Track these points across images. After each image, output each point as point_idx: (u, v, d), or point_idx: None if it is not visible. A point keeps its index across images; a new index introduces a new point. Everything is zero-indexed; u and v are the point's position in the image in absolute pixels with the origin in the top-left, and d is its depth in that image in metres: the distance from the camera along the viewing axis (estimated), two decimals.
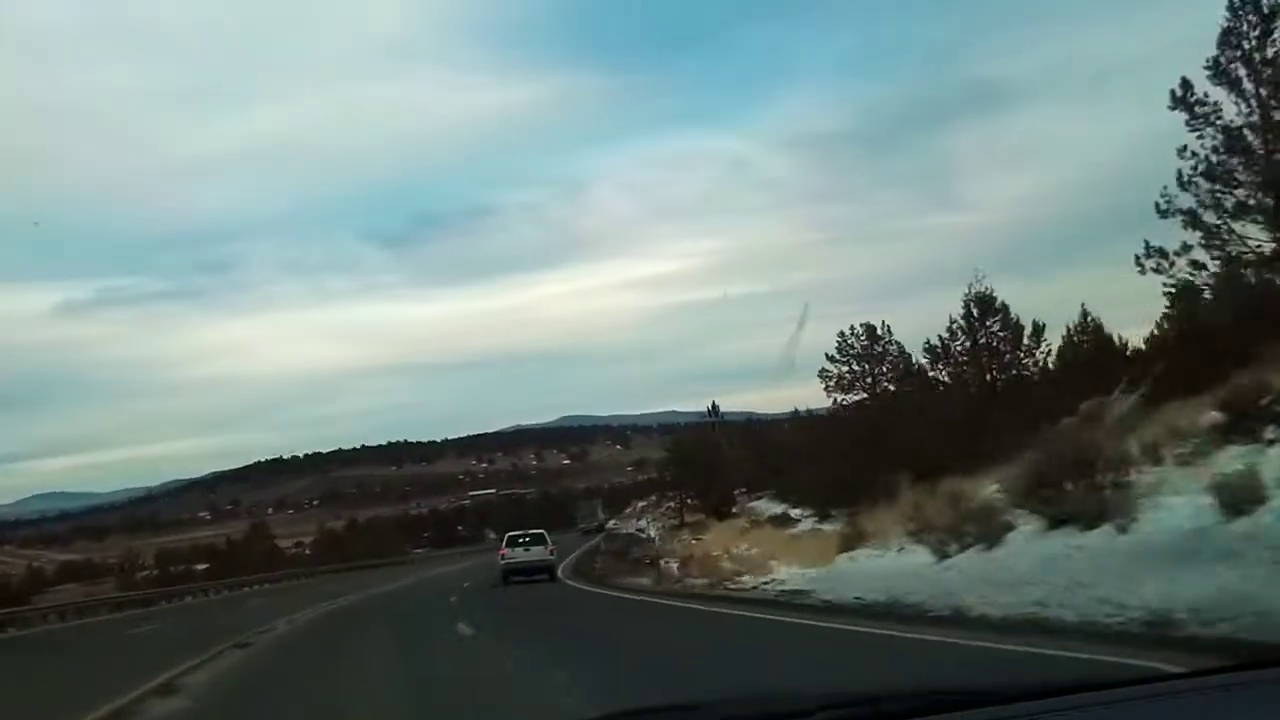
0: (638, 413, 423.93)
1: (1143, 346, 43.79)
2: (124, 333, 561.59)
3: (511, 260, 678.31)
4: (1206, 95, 30.51)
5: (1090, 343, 44.49)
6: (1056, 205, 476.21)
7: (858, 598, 17.31)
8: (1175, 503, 14.58)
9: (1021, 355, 45.50)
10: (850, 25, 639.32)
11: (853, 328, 69.51)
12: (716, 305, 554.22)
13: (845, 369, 69.27)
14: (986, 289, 45.34)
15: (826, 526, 55.71)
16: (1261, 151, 29.86)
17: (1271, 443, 16.70)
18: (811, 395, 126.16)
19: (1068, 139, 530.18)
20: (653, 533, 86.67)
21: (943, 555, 17.52)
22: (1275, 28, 29.49)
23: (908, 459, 42.26)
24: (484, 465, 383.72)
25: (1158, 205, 31.80)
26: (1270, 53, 29.66)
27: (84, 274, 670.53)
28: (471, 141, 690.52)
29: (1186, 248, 31.18)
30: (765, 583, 26.19)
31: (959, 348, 46.80)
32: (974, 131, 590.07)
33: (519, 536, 44.01)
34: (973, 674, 9.74)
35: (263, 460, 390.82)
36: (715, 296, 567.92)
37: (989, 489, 23.68)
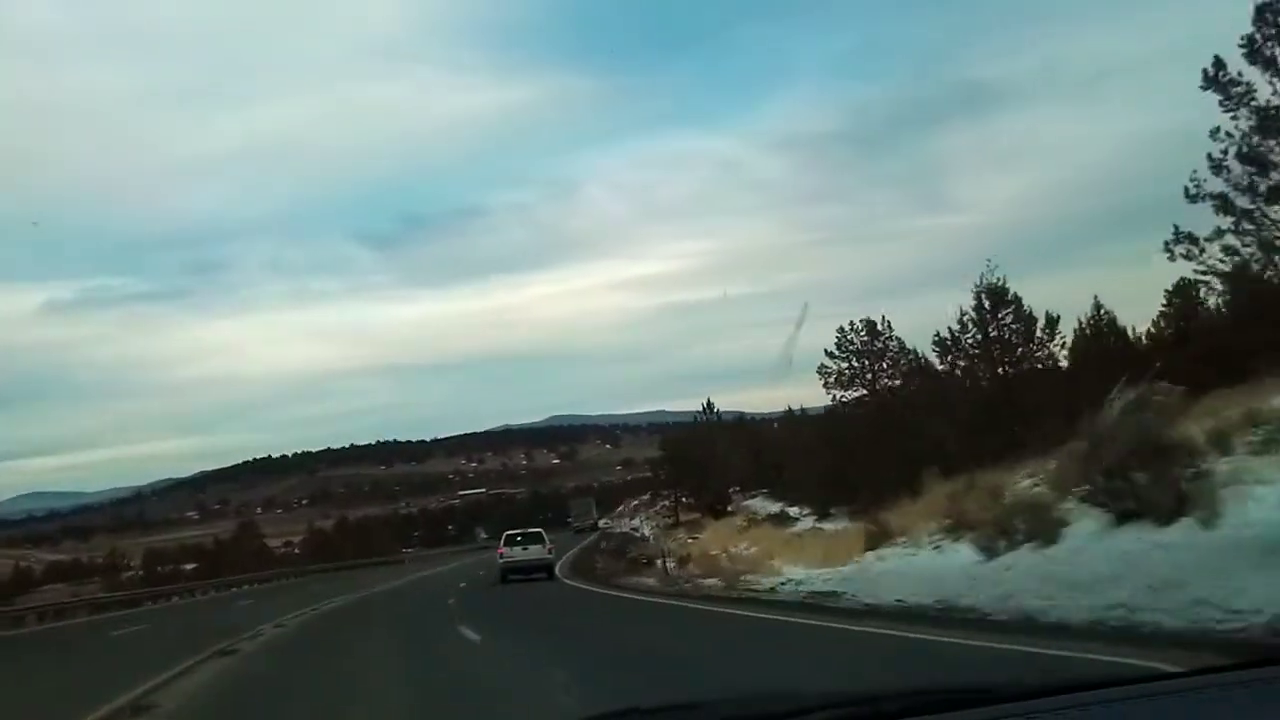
0: (627, 412, 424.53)
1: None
2: (112, 333, 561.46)
3: (502, 261, 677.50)
4: (1240, 75, 29.13)
5: (1108, 334, 43.20)
6: (1050, 206, 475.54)
7: (900, 600, 15.83)
8: (1263, 493, 13.18)
9: (1034, 348, 44.04)
10: (844, 26, 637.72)
11: (852, 323, 68.35)
12: (707, 306, 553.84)
13: (845, 365, 68.17)
14: (999, 280, 43.96)
15: (828, 525, 54.60)
16: None
17: None
18: (806, 395, 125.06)
19: (1061, 140, 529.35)
20: (647, 532, 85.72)
21: (991, 553, 16.06)
22: None
23: (921, 454, 41.06)
24: (473, 465, 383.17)
25: (1186, 190, 30.23)
26: None
27: (72, 274, 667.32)
28: (462, 142, 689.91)
29: (1220, 232, 29.56)
30: (783, 583, 24.72)
31: (970, 340, 45.33)
32: (966, 132, 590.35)
33: (517, 535, 43.75)
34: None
35: (251, 460, 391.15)
36: (705, 297, 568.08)
37: (1021, 482, 22.30)
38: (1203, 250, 31.81)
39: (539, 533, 44.09)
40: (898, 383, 60.05)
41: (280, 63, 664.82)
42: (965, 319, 44.80)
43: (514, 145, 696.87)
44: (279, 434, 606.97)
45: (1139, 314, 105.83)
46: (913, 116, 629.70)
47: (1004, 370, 44.35)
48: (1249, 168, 29.43)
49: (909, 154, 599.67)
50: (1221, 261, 31.45)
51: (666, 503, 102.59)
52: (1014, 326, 44.08)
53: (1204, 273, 33.07)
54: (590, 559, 54.81)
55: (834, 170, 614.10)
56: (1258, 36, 29.16)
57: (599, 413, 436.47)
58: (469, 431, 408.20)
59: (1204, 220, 30.82)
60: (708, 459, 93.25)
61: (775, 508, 80.00)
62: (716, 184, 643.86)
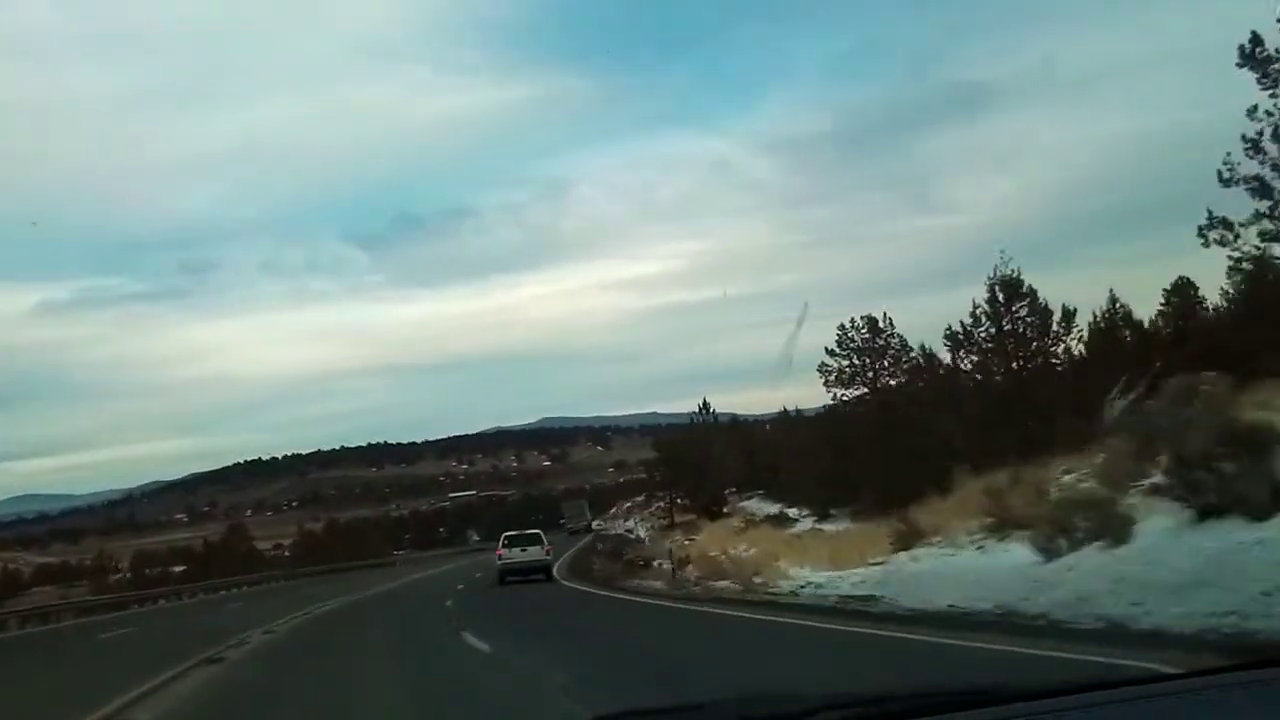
0: (619, 414, 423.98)
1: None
2: (105, 333, 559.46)
3: (494, 261, 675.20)
4: (1278, 52, 27.94)
5: (1123, 328, 42.00)
6: (1045, 207, 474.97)
7: (952, 605, 14.43)
8: None
9: (1050, 342, 42.69)
10: (840, 27, 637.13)
11: (854, 320, 67.31)
12: (700, 307, 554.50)
13: (846, 363, 66.98)
14: (1013, 272, 42.56)
15: (828, 526, 53.46)
16: None
17: None
18: (801, 396, 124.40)
19: (1057, 141, 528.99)
20: (642, 533, 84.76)
21: (1051, 554, 14.65)
22: None
23: (930, 451, 39.87)
24: (464, 467, 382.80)
25: (1220, 174, 29.25)
26: None
27: (65, 274, 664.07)
28: (457, 142, 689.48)
29: (1258, 216, 28.34)
30: (801, 586, 23.34)
31: (983, 334, 43.92)
32: (960, 133, 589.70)
33: (516, 537, 43.66)
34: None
35: (242, 462, 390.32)
36: (698, 299, 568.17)
37: (1062, 477, 20.93)
38: (1237, 236, 30.74)
39: (537, 534, 44.17)
40: (904, 379, 58.80)
41: (275, 63, 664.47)
42: (978, 312, 43.41)
43: (508, 145, 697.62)
44: (271, 435, 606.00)
45: (1138, 314, 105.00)
46: (908, 117, 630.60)
47: (1019, 365, 43.00)
48: None
49: (904, 155, 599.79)
50: (1257, 247, 30.37)
51: (661, 504, 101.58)
52: (1029, 320, 42.73)
53: (1239, 260, 32.13)
54: (588, 561, 54.09)
55: (829, 171, 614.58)
56: None
57: (590, 414, 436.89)
58: (460, 433, 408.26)
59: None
60: (704, 460, 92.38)
61: (773, 509, 79.12)
62: (711, 185, 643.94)
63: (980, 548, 18.07)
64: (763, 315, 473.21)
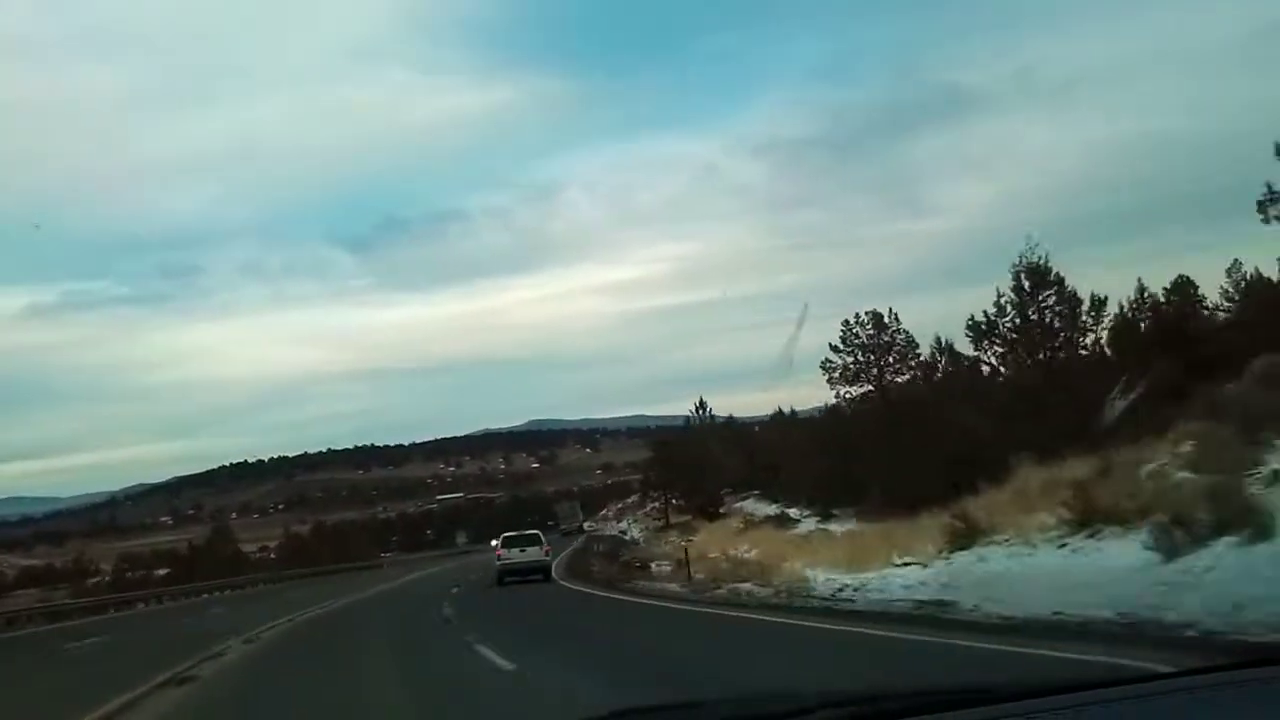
0: (607, 416, 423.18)
1: None
2: (90, 336, 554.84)
3: (481, 264, 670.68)
4: None
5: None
6: (1038, 209, 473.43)
7: (1058, 612, 12.11)
8: None
9: (1079, 332, 40.53)
10: (825, 31, 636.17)
11: (857, 316, 65.53)
12: (687, 309, 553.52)
13: (850, 359, 65.14)
14: (1040, 258, 40.23)
15: (833, 526, 51.51)
16: None
17: None
18: (797, 397, 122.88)
19: (1046, 144, 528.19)
20: (636, 534, 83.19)
21: (1171, 553, 12.44)
22: None
23: (952, 447, 37.99)
24: (451, 469, 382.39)
25: (1278, 146, 27.37)
26: None
27: (51, 277, 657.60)
28: (441, 145, 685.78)
29: None
30: (839, 590, 21.08)
31: (1007, 325, 41.67)
32: (946, 136, 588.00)
33: (515, 537, 43.28)
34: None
35: (227, 465, 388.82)
36: (685, 301, 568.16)
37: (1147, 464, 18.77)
38: None
39: (536, 534, 43.92)
40: (917, 374, 57.00)
41: (260, 66, 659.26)
42: (1003, 301, 41.16)
43: (496, 149, 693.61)
44: (256, 438, 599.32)
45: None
46: (891, 121, 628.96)
47: (1047, 355, 40.77)
48: None
49: (887, 159, 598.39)
50: None
51: (656, 505, 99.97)
52: (1057, 309, 40.52)
53: None
54: (585, 562, 52.54)
55: (814, 175, 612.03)
56: None
57: (578, 417, 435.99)
58: (447, 436, 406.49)
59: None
60: (700, 460, 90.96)
61: (772, 509, 77.66)
62: (696, 188, 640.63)
63: (1064, 545, 15.78)
64: (751, 318, 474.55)
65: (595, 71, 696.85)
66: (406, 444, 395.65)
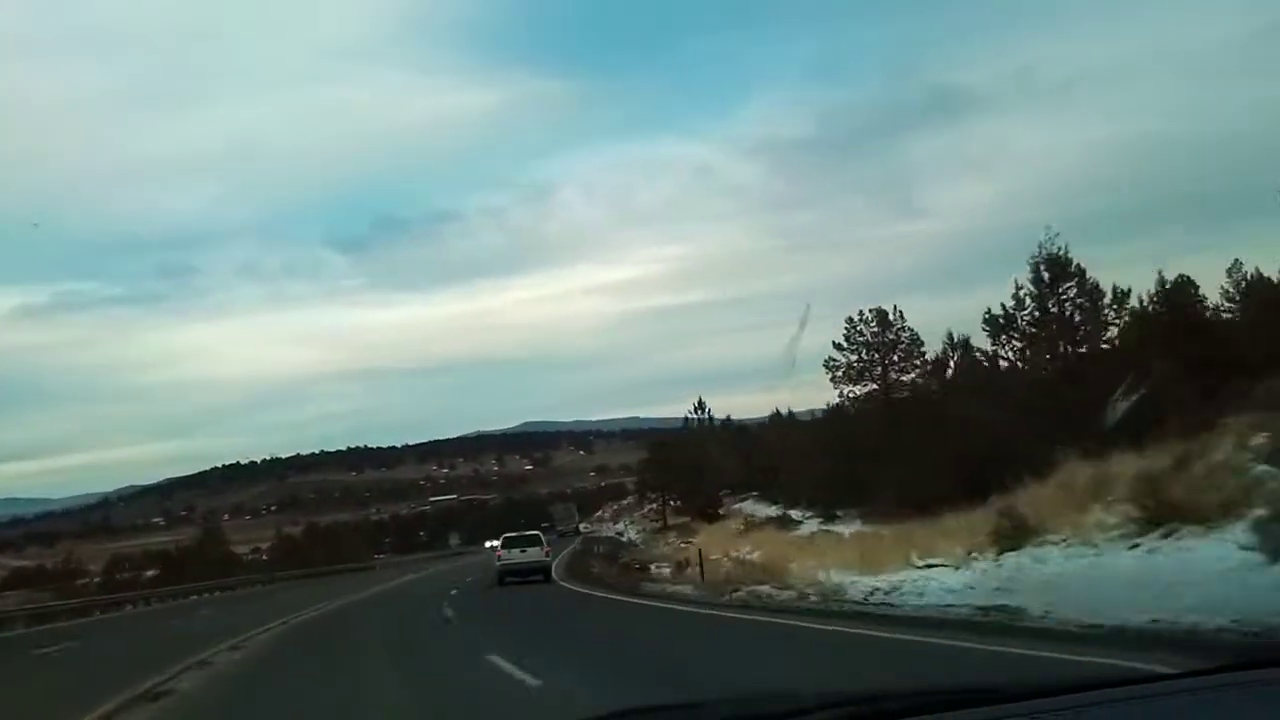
0: (601, 418, 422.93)
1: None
2: (82, 337, 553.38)
3: (477, 265, 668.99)
4: None
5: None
6: (1035, 210, 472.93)
7: (1156, 620, 10.53)
8: None
9: (1101, 325, 39.22)
10: (824, 31, 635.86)
11: (861, 313, 64.39)
12: (682, 311, 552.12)
13: (854, 358, 63.96)
14: (1059, 250, 38.82)
15: (838, 528, 50.31)
16: None
17: None
18: (796, 398, 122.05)
19: (1037, 145, 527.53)
20: (634, 535, 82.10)
21: (1276, 552, 11.01)
22: None
23: (969, 445, 36.82)
24: (445, 471, 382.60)
25: None
26: None
27: (43, 278, 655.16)
28: (438, 146, 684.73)
29: None
30: (870, 593, 19.56)
31: (1026, 319, 40.31)
32: (943, 137, 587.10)
33: (515, 538, 43.30)
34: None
35: (220, 466, 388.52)
36: (680, 302, 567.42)
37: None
38: None
39: (537, 535, 43.93)
40: (925, 372, 55.80)
41: (257, 65, 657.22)
42: (1021, 293, 39.75)
43: (492, 149, 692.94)
44: (249, 439, 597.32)
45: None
46: (888, 122, 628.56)
47: (1067, 349, 39.42)
48: None
49: (883, 159, 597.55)
50: None
51: (653, 506, 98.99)
52: (1078, 301, 39.19)
53: None
54: (584, 563, 51.74)
55: (812, 175, 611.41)
56: None
57: (573, 419, 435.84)
58: (441, 437, 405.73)
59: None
60: (699, 461, 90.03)
61: (772, 510, 76.82)
62: (694, 189, 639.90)
63: (1135, 545, 14.32)
64: (748, 318, 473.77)
65: (593, 72, 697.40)
66: (400, 446, 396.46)
